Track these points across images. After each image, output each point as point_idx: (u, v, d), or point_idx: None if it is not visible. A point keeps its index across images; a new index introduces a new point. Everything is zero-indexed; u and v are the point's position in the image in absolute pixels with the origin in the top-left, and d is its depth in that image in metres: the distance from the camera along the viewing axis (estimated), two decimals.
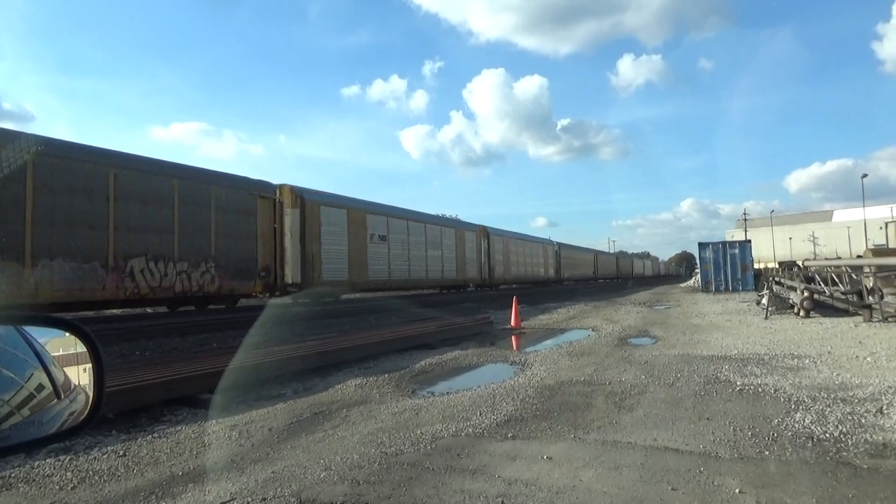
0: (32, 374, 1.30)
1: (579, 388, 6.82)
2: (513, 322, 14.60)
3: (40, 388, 1.30)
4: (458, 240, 31.26)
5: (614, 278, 70.75)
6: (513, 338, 13.05)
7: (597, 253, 69.09)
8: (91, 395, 1.39)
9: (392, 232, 24.87)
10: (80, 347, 1.37)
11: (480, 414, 5.67)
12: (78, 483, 4.05)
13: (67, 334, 1.38)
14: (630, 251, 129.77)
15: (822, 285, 17.92)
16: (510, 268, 38.87)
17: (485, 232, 35.09)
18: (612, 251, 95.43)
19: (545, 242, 49.64)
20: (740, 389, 6.41)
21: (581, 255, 61.31)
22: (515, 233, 42.86)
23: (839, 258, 37.70)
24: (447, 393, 6.91)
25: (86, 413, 1.37)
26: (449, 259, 30.04)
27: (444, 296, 29.04)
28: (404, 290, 27.49)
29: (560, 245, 52.73)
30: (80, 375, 1.41)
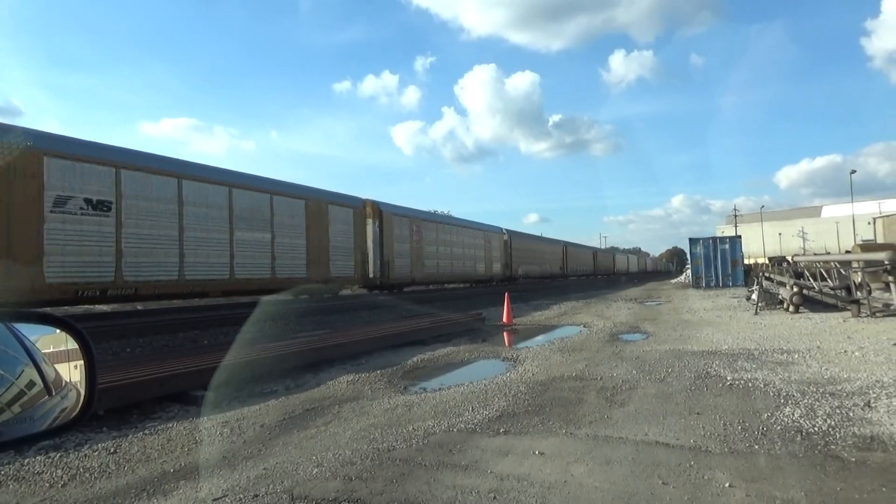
0: (23, 371, 1.29)
1: (571, 384, 6.85)
2: (505, 318, 14.62)
3: (31, 384, 1.30)
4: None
5: (589, 275, 68.57)
6: (505, 334, 13.07)
7: (596, 250, 70.78)
8: (83, 391, 1.38)
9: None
10: (72, 344, 1.37)
11: (472, 410, 5.68)
12: (68, 480, 4.04)
13: (59, 331, 1.37)
14: (622, 247, 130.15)
15: (812, 281, 18.06)
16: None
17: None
18: (596, 245, 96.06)
19: (559, 243, 57.14)
20: (730, 384, 6.45)
21: (581, 252, 64.90)
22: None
23: (828, 253, 37.98)
24: (439, 389, 6.92)
25: (77, 409, 1.36)
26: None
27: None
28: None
29: (567, 244, 58.70)
30: (72, 372, 1.40)
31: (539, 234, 55.14)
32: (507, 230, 40.78)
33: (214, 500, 3.60)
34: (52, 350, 1.38)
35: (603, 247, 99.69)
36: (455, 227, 33.17)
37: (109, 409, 5.76)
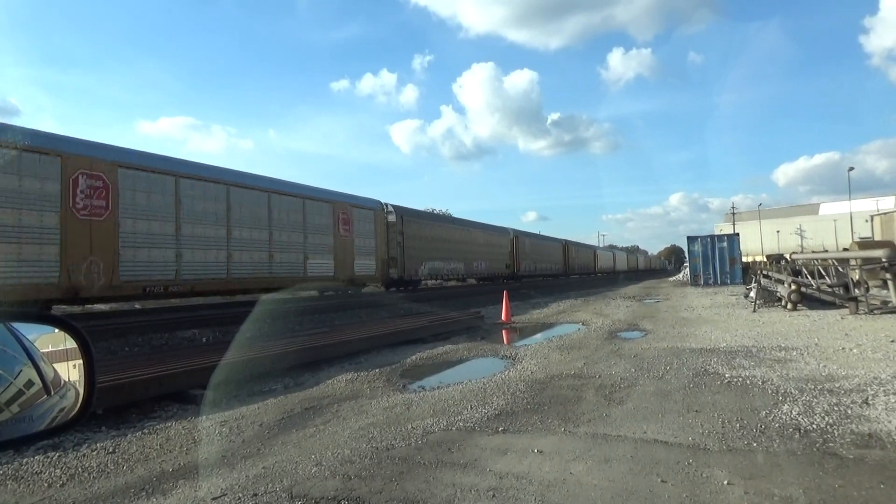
0: (21, 371, 1.29)
1: (569, 382, 6.85)
2: (504, 316, 14.62)
3: (30, 384, 1.30)
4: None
5: (590, 273, 66.15)
6: (503, 332, 13.08)
7: (596, 249, 71.03)
8: (81, 391, 1.38)
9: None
10: (70, 344, 1.36)
11: (471, 408, 5.69)
12: (67, 480, 4.04)
13: (57, 330, 1.37)
14: (620, 245, 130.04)
15: (810, 278, 18.07)
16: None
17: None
18: (595, 244, 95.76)
19: (561, 241, 58.01)
20: (729, 382, 6.46)
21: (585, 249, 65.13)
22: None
23: (826, 251, 37.99)
24: (438, 387, 6.92)
25: (76, 409, 1.36)
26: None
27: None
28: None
29: (569, 242, 59.59)
30: (70, 371, 1.40)
31: (542, 234, 55.47)
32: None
33: (214, 499, 3.60)
34: (50, 349, 1.38)
35: (601, 245, 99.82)
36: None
37: (108, 409, 5.77)
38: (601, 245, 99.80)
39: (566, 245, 56.28)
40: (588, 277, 60.38)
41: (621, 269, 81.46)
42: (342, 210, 21.91)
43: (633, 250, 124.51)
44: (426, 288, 30.60)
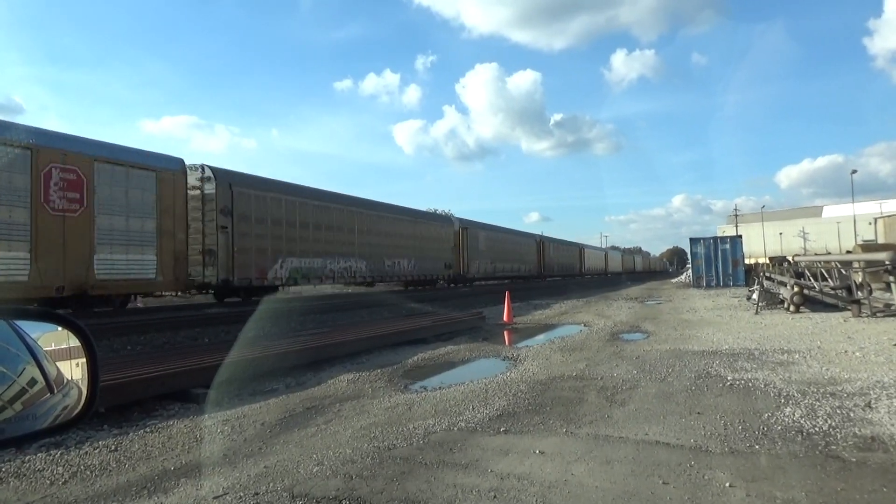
0: (25, 369, 1.29)
1: (571, 383, 6.85)
2: (505, 317, 14.62)
3: (33, 382, 1.30)
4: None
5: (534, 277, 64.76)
6: (505, 333, 13.07)
7: (606, 251, 70.47)
8: (84, 389, 1.38)
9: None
10: (73, 342, 1.37)
11: (473, 408, 5.69)
12: (69, 478, 4.04)
13: (60, 329, 1.37)
14: (622, 246, 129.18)
15: (812, 280, 18.03)
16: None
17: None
18: (597, 245, 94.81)
19: (578, 245, 64.63)
20: (731, 384, 6.45)
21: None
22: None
23: (829, 253, 37.94)
24: (440, 388, 6.92)
25: (79, 407, 1.37)
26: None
27: (407, 293, 33.39)
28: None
29: (543, 238, 60.21)
30: (73, 370, 1.40)
31: (509, 228, 52.44)
32: (459, 220, 39.87)
33: (215, 497, 3.60)
34: (53, 347, 1.38)
35: (603, 246, 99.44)
36: (372, 214, 30.42)
37: (111, 407, 5.77)
38: (604, 245, 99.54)
39: (541, 242, 52.29)
40: (592, 279, 59.96)
41: (615, 270, 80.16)
42: (60, 161, 13.58)
43: (630, 251, 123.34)
44: (289, 297, 21.32)
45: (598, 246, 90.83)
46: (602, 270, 73.85)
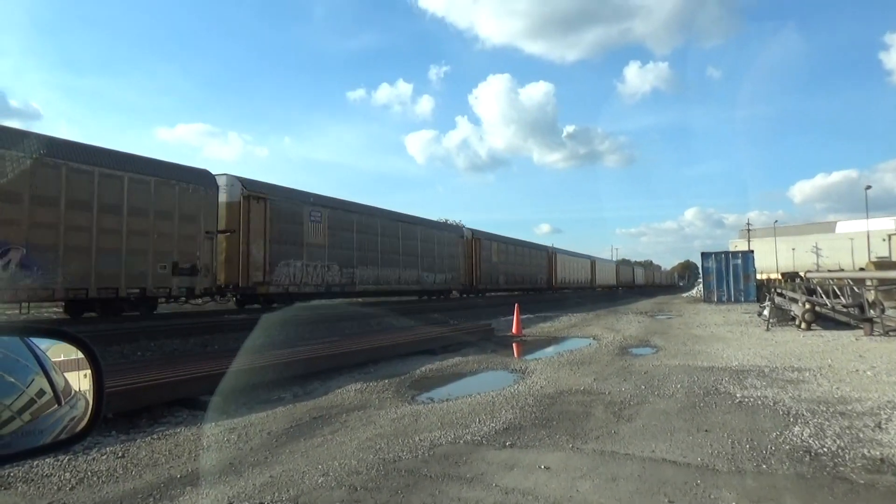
0: (33, 380, 1.32)
1: (579, 398, 6.82)
2: (514, 329, 14.59)
3: (41, 393, 1.32)
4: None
5: (612, 287, 63.10)
6: (514, 345, 13.05)
7: (618, 264, 69.23)
8: (91, 401, 1.41)
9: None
10: (81, 354, 1.39)
11: (479, 421, 5.68)
12: (76, 484, 4.07)
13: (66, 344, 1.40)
14: (633, 259, 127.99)
15: (824, 297, 17.88)
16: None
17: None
18: (608, 258, 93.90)
19: (589, 258, 63.76)
20: (739, 402, 6.40)
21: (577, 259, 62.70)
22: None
23: (842, 270, 37.57)
24: (446, 399, 6.91)
25: (86, 420, 1.39)
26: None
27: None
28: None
29: (596, 259, 63.47)
30: (81, 381, 1.43)
31: (571, 250, 56.55)
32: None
33: None
34: (62, 359, 1.41)
35: (614, 258, 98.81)
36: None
37: (118, 413, 5.81)
38: (615, 258, 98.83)
39: (473, 239, 36.20)
40: (602, 292, 59.30)
41: (606, 283, 68.66)
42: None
43: (641, 264, 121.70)
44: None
45: (609, 258, 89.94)
46: (613, 283, 71.92)
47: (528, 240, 46.82)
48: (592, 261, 64.76)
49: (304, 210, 21.34)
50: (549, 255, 50.52)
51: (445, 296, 33.28)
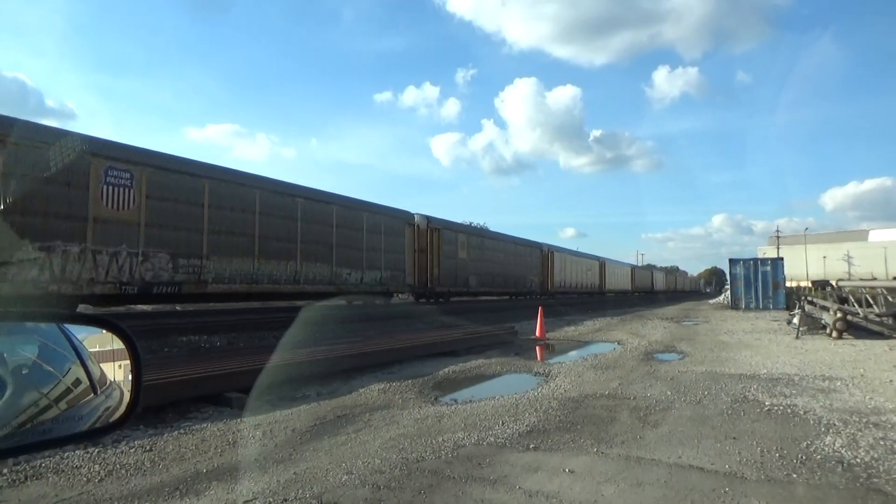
0: (70, 369, 1.34)
1: (603, 402, 6.76)
2: (538, 332, 14.53)
3: (77, 382, 1.34)
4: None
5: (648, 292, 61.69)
6: (537, 348, 12.99)
7: (645, 268, 67.64)
8: (126, 391, 1.43)
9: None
10: (117, 344, 1.41)
11: (503, 424, 5.65)
12: (105, 476, 4.14)
13: (105, 331, 1.42)
14: (658, 265, 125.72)
15: (857, 306, 17.52)
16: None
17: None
18: (633, 262, 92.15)
19: (598, 258, 56.76)
20: (769, 410, 6.29)
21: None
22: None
23: (874, 279, 36.81)
24: (470, 401, 6.90)
25: (122, 409, 1.41)
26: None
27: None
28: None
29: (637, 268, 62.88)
30: (116, 371, 1.45)
31: (585, 252, 52.46)
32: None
33: (245, 501, 3.65)
34: (98, 349, 1.43)
35: (640, 264, 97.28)
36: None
37: (146, 408, 5.89)
38: (640, 263, 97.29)
39: (429, 229, 27.84)
40: (625, 297, 58.46)
41: (620, 288, 62.07)
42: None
43: (667, 270, 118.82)
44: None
45: (636, 264, 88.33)
46: (627, 289, 65.26)
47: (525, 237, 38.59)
48: (601, 262, 57.09)
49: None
50: (543, 253, 41.32)
51: (385, 300, 24.68)
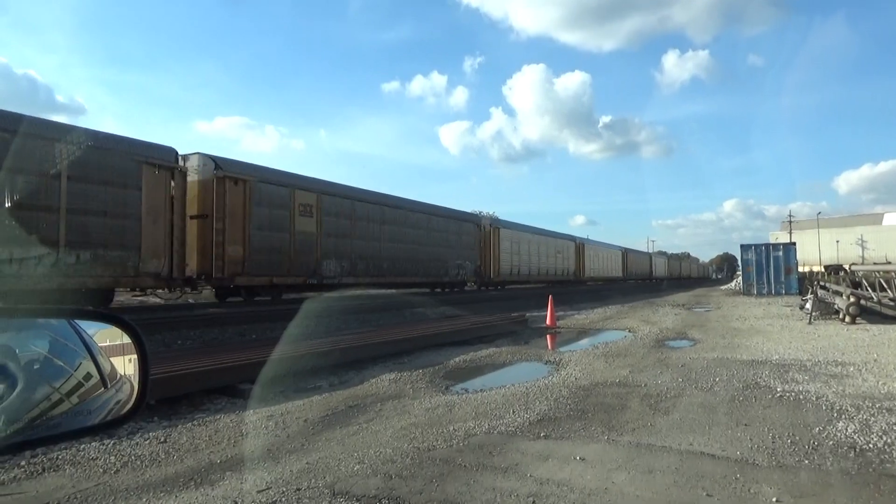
0: (81, 364, 1.36)
1: (614, 390, 6.76)
2: (548, 321, 14.52)
3: (88, 377, 1.36)
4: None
5: (646, 279, 64.84)
6: (547, 337, 13.00)
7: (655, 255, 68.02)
8: (136, 385, 1.44)
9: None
10: (126, 339, 1.43)
11: (514, 412, 5.67)
12: (121, 467, 4.19)
13: (114, 326, 1.44)
14: (669, 251, 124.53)
15: (870, 291, 17.38)
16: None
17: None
18: (644, 249, 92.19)
19: (620, 248, 61.34)
20: (780, 396, 6.27)
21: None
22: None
23: (889, 263, 36.47)
24: (481, 390, 6.92)
25: (131, 402, 1.43)
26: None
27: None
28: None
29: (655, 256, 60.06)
30: (126, 365, 1.46)
31: (606, 242, 55.13)
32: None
33: (259, 491, 3.69)
34: (108, 344, 1.45)
35: (650, 250, 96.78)
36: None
37: (160, 400, 5.95)
38: (651, 250, 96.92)
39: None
40: (638, 283, 58.66)
41: (640, 275, 66.59)
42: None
43: (677, 256, 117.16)
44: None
45: (645, 250, 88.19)
46: (646, 275, 70.09)
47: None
48: (624, 251, 62.38)
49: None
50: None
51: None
